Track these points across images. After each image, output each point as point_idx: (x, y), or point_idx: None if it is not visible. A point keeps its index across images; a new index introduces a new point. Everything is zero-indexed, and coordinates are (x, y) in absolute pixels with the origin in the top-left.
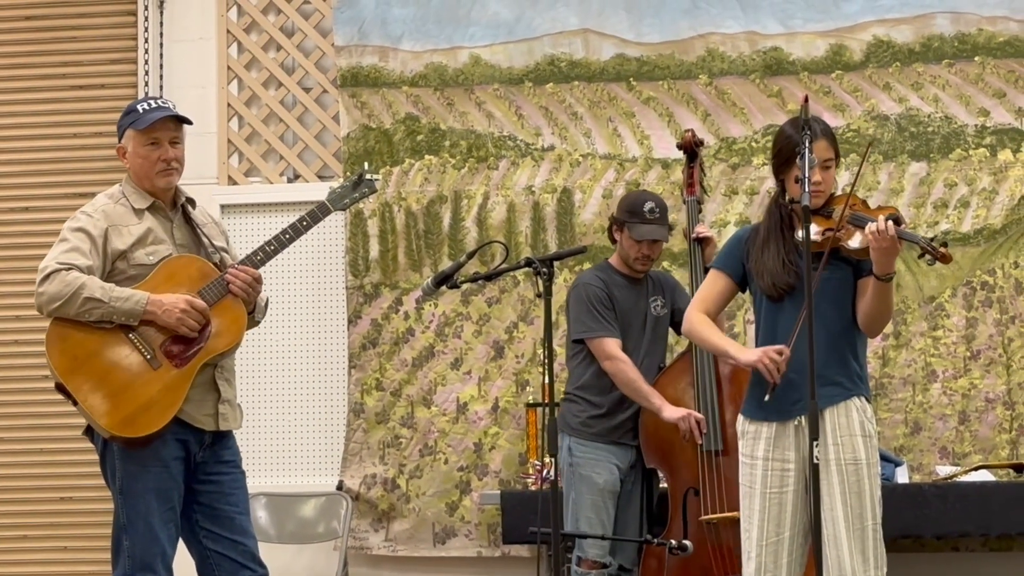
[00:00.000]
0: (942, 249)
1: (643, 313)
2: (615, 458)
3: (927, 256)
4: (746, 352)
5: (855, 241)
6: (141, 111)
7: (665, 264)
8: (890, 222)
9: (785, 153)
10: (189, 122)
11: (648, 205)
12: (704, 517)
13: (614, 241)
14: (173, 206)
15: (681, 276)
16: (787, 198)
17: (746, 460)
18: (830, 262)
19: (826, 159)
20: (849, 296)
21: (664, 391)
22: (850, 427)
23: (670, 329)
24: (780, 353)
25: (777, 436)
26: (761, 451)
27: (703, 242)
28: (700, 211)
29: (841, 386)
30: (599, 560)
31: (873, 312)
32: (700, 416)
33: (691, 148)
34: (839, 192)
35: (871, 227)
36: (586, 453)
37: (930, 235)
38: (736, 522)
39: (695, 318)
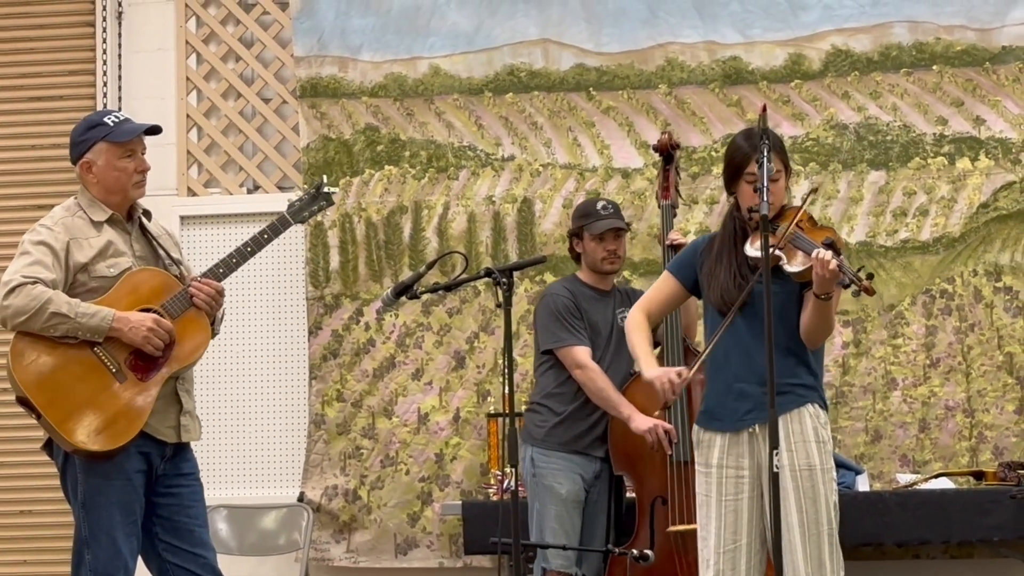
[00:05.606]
0: (866, 282)
1: (610, 324)
2: (578, 468)
3: (852, 287)
4: (651, 369)
5: (794, 265)
6: (112, 124)
7: (626, 274)
8: (834, 259)
9: (734, 164)
10: (160, 131)
11: (600, 203)
12: (671, 528)
13: (576, 258)
14: (129, 218)
15: (644, 284)
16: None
17: (702, 468)
18: (778, 277)
19: (774, 172)
20: (795, 308)
21: (634, 398)
22: (803, 433)
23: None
24: (679, 375)
25: (731, 444)
26: (715, 459)
27: (676, 249)
28: (675, 215)
29: (792, 394)
30: (564, 570)
31: (813, 326)
32: (669, 427)
33: (667, 150)
34: (794, 203)
35: (817, 255)
36: (548, 463)
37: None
38: None
39: (634, 317)
